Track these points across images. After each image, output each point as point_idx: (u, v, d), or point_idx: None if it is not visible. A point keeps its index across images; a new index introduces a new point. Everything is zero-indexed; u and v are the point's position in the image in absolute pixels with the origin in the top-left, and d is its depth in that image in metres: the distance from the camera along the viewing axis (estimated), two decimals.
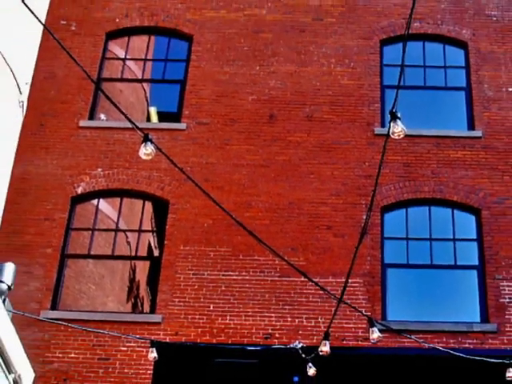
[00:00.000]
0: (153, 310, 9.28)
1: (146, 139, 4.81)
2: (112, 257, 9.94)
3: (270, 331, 8.96)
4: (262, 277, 9.29)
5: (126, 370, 8.77)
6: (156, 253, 9.95)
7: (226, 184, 9.96)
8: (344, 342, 8.81)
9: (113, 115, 10.86)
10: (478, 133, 10.35)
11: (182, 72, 11.08)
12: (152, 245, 10.25)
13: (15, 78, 8.03)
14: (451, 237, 9.71)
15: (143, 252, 10.29)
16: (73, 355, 8.84)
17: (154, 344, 7.43)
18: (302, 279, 8.83)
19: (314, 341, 8.47)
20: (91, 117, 10.69)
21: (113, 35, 11.46)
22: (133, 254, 10.10)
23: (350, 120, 10.46)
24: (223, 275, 9.32)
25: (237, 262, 9.40)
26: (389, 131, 4.47)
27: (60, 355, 8.85)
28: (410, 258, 9.62)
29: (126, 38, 11.55)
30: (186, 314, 9.08)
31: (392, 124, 4.45)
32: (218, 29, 11.30)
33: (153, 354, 7.39)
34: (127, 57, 11.50)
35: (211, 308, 9.11)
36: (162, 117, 11.16)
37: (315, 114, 10.53)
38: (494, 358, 7.21)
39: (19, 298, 8.52)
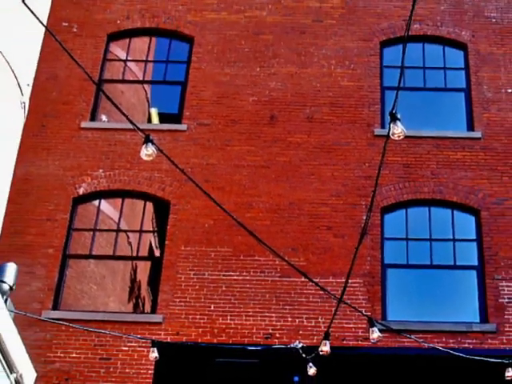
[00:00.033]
0: (154, 310, 9.31)
1: (147, 140, 4.84)
2: (113, 257, 9.97)
3: (270, 331, 8.99)
4: (263, 277, 9.33)
5: (127, 370, 8.80)
6: (157, 253, 9.99)
7: (227, 185, 10.00)
8: (344, 342, 8.84)
9: (114, 116, 10.90)
10: (477, 134, 10.39)
11: (182, 73, 11.12)
12: (153, 245, 10.29)
13: (17, 79, 8.08)
14: (451, 237, 9.74)
15: (144, 252, 10.32)
16: (74, 355, 8.87)
17: (155, 344, 7.44)
18: (303, 279, 8.86)
19: (315, 341, 8.50)
20: (93, 118, 10.73)
21: (114, 37, 11.50)
22: (134, 254, 10.13)
23: (350, 121, 10.50)
24: (224, 275, 9.36)
25: (237, 263, 9.44)
26: (389, 132, 4.49)
27: (61, 355, 8.88)
28: (409, 258, 9.65)
29: (127, 40, 11.59)
30: (186, 314, 9.12)
31: (392, 125, 4.47)
32: (219, 30, 11.35)
33: (154, 354, 7.40)
34: (128, 58, 11.54)
35: (212, 308, 9.14)
36: (163, 118, 11.20)
37: (315, 115, 10.57)
38: (493, 358, 7.22)
39: (21, 298, 8.56)
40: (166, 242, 9.66)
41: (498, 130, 10.40)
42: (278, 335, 8.94)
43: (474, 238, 9.72)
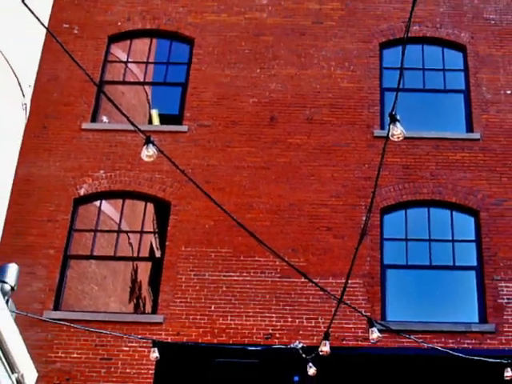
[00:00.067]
0: (154, 311, 9.34)
1: (147, 141, 4.87)
2: (114, 258, 10.00)
3: (270, 331, 9.02)
4: (263, 277, 9.36)
5: (128, 370, 8.83)
6: (158, 254, 10.02)
7: (227, 186, 10.03)
8: (344, 342, 8.86)
9: (115, 117, 10.94)
10: (476, 135, 10.43)
11: (183, 75, 11.15)
12: (154, 246, 10.32)
13: (18, 81, 8.10)
14: (450, 238, 9.77)
15: (145, 253, 10.35)
16: (75, 355, 8.89)
17: (155, 344, 7.46)
18: (303, 280, 8.89)
19: (314, 341, 8.52)
20: (93, 119, 10.77)
21: (115, 38, 11.53)
22: (135, 254, 10.16)
23: (349, 122, 10.54)
24: (224, 276, 9.39)
25: (238, 263, 9.47)
26: (388, 133, 4.51)
27: (63, 355, 8.91)
28: (409, 258, 9.69)
29: (128, 41, 11.63)
30: (187, 315, 9.15)
31: (391, 126, 4.49)
32: (219, 32, 11.38)
33: (154, 354, 7.42)
34: (129, 60, 11.57)
35: (212, 308, 9.17)
36: (164, 119, 11.24)
37: (315, 116, 10.61)
38: (492, 358, 7.24)
39: (22, 299, 8.58)
40: (167, 243, 9.69)
41: (496, 131, 10.44)
42: (278, 335, 8.97)
43: (473, 238, 9.75)
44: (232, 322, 9.08)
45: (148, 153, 4.92)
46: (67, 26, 11.41)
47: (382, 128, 10.35)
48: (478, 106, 10.66)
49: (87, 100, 10.80)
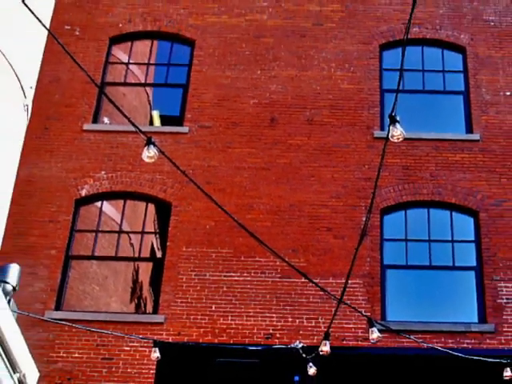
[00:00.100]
0: (155, 311, 9.37)
1: (148, 142, 4.90)
2: (115, 258, 10.03)
3: (270, 331, 9.05)
4: (263, 278, 9.39)
5: (129, 370, 8.86)
6: (159, 254, 10.06)
7: (228, 186, 10.07)
8: (344, 342, 8.89)
9: (116, 119, 10.98)
10: (475, 136, 10.46)
11: (184, 76, 11.20)
12: (155, 246, 10.35)
13: (20, 82, 8.14)
14: (450, 238, 9.80)
15: (146, 253, 10.39)
16: (77, 355, 8.92)
17: (156, 344, 7.49)
18: (303, 280, 8.93)
19: (315, 341, 8.56)
20: (95, 120, 10.80)
21: (116, 40, 11.58)
22: (136, 255, 10.20)
23: (349, 123, 10.58)
24: (225, 276, 9.42)
25: (238, 264, 9.50)
26: (388, 134, 4.53)
27: (64, 355, 8.94)
28: (409, 259, 9.72)
29: (129, 43, 11.67)
30: (188, 315, 9.18)
31: (391, 127, 4.51)
32: (220, 34, 11.42)
33: (156, 354, 7.45)
34: (130, 61, 11.62)
35: (213, 308, 9.21)
36: (165, 120, 11.28)
37: (315, 117, 10.65)
38: (491, 358, 7.27)
39: (24, 299, 8.62)
40: (168, 243, 9.73)
41: (496, 133, 10.48)
42: (278, 335, 9.01)
43: (473, 239, 9.79)
44: (233, 322, 9.12)
45: (149, 154, 4.95)
46: (69, 27, 11.46)
47: (382, 129, 10.39)
48: (478, 107, 10.70)
49: (88, 101, 10.84)
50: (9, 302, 6.87)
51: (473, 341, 8.92)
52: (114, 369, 8.86)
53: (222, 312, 9.17)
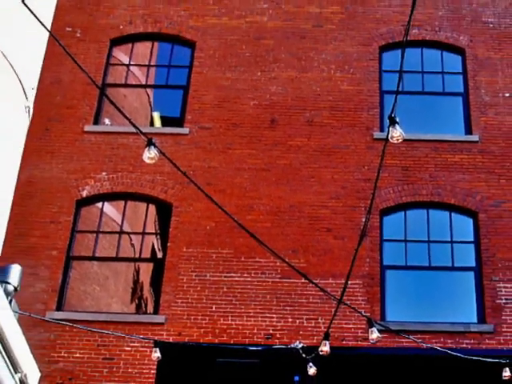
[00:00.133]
0: (156, 311, 9.40)
1: (149, 143, 4.92)
2: (116, 259, 10.07)
3: (271, 331, 9.09)
4: (264, 278, 9.42)
5: (129, 370, 8.89)
6: (159, 255, 10.09)
7: (228, 187, 10.10)
8: (344, 342, 8.92)
9: (117, 120, 11.02)
10: (474, 137, 10.50)
11: (184, 78, 11.23)
12: (155, 247, 10.38)
13: (21, 84, 8.17)
14: (449, 239, 9.83)
15: (147, 254, 10.42)
16: (78, 355, 8.96)
17: (157, 344, 7.51)
18: (303, 281, 8.96)
19: (315, 341, 8.58)
20: (96, 122, 10.84)
21: (117, 42, 11.61)
22: (137, 255, 10.24)
23: (349, 125, 10.61)
24: (225, 277, 9.46)
25: (239, 264, 9.54)
26: (388, 135, 4.56)
27: (65, 355, 8.97)
28: (408, 259, 9.75)
29: (130, 45, 11.70)
30: (188, 315, 9.21)
31: (391, 128, 4.53)
32: (220, 35, 11.46)
33: (156, 354, 7.47)
34: (131, 63, 11.65)
35: (213, 309, 9.24)
36: (165, 121, 11.31)
37: (315, 118, 10.68)
38: (490, 358, 7.30)
39: (25, 299, 8.64)
40: (168, 244, 9.76)
41: (495, 134, 10.51)
42: (278, 335, 9.04)
43: (472, 239, 9.82)
44: (233, 323, 9.15)
45: (150, 155, 4.97)
46: (70, 29, 11.50)
47: (382, 130, 10.43)
48: (477, 108, 10.74)
49: (89, 103, 10.88)
50: (10, 302, 6.88)
51: (472, 341, 8.95)
52: (114, 369, 8.89)
53: (222, 312, 9.20)
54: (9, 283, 7.11)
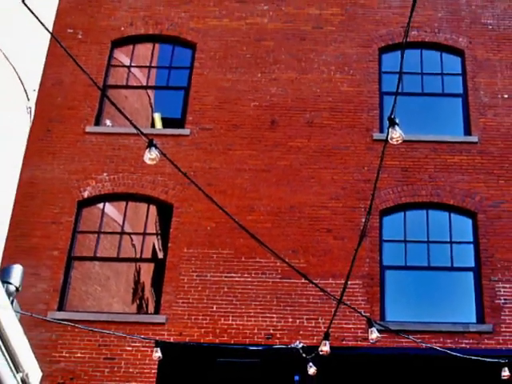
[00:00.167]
0: (157, 311, 9.43)
1: (150, 144, 4.93)
2: (117, 259, 10.11)
3: (271, 331, 9.12)
4: (264, 278, 9.46)
5: (131, 370, 8.92)
6: (160, 255, 10.12)
7: (229, 188, 10.14)
8: (344, 342, 8.95)
9: (118, 121, 11.05)
10: (474, 138, 10.54)
11: (185, 79, 11.27)
12: (156, 247, 10.42)
13: (23, 85, 8.21)
14: (448, 239, 9.86)
15: (148, 254, 10.45)
16: (79, 355, 8.99)
17: (158, 344, 7.50)
18: (303, 281, 9.00)
19: (315, 341, 8.61)
20: (97, 123, 10.88)
21: (118, 43, 11.65)
22: (138, 256, 10.27)
23: (349, 126, 10.65)
24: (226, 277, 9.49)
25: (239, 264, 9.57)
26: (387, 137, 4.56)
27: (67, 355, 9.00)
28: (408, 260, 9.78)
29: (131, 46, 11.74)
30: (189, 315, 9.24)
31: (390, 130, 4.53)
32: (221, 37, 11.50)
33: (157, 354, 7.47)
34: (132, 64, 11.69)
35: (214, 309, 9.27)
36: (166, 123, 11.35)
37: (315, 119, 10.72)
38: (489, 358, 7.30)
39: (27, 300, 8.69)
40: (169, 245, 9.80)
41: (494, 135, 10.55)
42: (278, 335, 9.07)
43: (471, 240, 9.85)
44: (233, 323, 9.18)
45: (151, 156, 4.98)
46: (71, 30, 11.54)
47: (381, 131, 10.47)
48: (476, 109, 10.77)
49: (91, 104, 10.92)
50: (12, 302, 6.93)
51: (471, 341, 8.98)
52: (116, 368, 8.93)
53: (222, 312, 9.24)
54: (10, 283, 7.16)
